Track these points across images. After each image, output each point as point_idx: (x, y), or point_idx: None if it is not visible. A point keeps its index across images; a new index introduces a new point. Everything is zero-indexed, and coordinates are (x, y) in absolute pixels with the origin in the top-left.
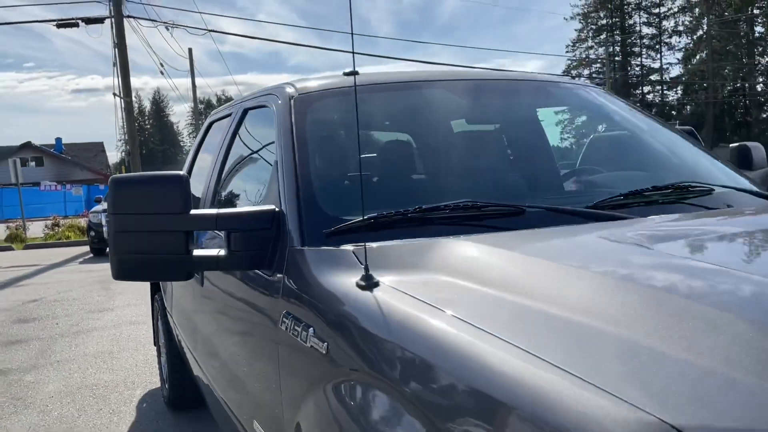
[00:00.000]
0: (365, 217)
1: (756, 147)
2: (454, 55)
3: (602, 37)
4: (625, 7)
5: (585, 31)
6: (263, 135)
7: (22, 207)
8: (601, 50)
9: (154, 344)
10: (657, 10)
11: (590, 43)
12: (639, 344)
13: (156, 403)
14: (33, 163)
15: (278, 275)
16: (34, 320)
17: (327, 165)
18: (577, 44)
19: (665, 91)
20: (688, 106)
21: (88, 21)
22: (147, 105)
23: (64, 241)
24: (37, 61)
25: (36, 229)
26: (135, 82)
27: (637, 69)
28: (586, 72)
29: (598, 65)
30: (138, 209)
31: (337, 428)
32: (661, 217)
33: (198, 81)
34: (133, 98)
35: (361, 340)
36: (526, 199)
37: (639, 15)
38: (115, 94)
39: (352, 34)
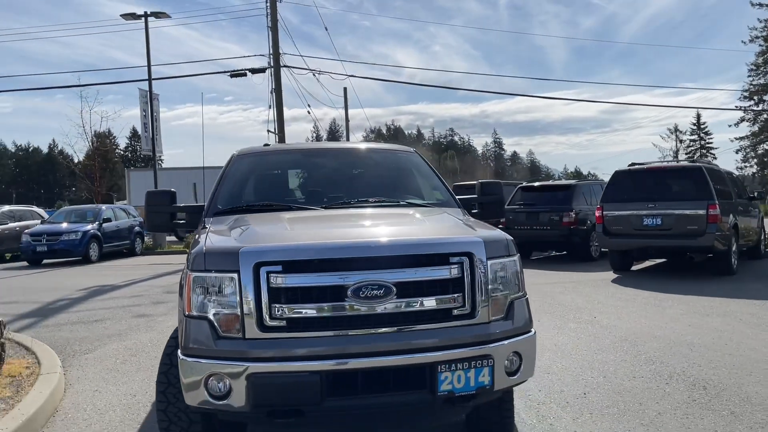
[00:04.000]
0: (226, 207)
1: (489, 183)
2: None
3: None
4: None
5: (766, 55)
6: None
7: None
8: None
9: None
10: None
11: None
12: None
13: None
14: None
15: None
16: (176, 292)
17: (229, 186)
18: (761, 67)
19: None
20: None
21: (253, 71)
22: (324, 135)
23: None
24: (235, 96)
25: None
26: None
27: None
28: None
29: None
30: (156, 203)
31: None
32: (346, 209)
33: (372, 111)
34: (312, 127)
35: (190, 248)
36: (307, 203)
37: None
38: (269, 131)
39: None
